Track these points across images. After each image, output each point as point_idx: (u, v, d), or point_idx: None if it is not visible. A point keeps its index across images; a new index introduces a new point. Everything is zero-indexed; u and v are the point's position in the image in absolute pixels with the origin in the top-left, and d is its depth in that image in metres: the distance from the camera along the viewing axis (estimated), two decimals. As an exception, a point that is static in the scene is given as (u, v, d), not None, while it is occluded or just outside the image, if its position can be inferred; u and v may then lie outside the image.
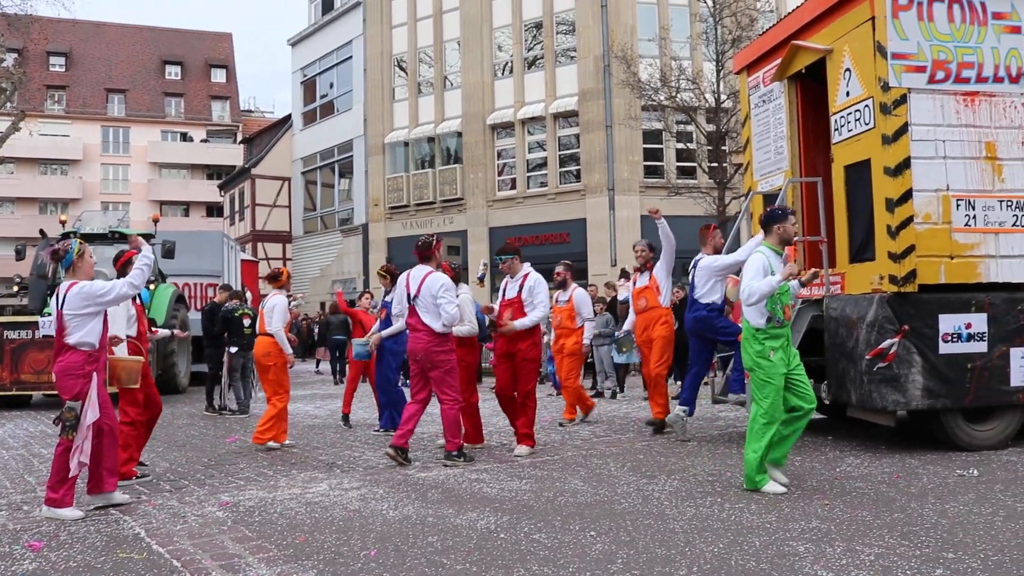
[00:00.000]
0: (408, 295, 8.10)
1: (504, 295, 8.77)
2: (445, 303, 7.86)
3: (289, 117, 42.34)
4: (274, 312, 9.62)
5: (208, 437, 10.47)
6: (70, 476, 6.08)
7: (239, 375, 12.98)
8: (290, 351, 9.71)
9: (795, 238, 9.13)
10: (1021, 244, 7.92)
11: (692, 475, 7.13)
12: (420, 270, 8.14)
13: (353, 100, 35.75)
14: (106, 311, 6.47)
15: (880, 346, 7.42)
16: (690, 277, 9.51)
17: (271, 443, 9.27)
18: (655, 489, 6.59)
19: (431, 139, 31.93)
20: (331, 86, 38.28)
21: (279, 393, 9.53)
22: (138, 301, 7.72)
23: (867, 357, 7.52)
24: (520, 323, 8.47)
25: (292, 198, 40.91)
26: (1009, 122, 8.05)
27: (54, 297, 6.46)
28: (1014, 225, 7.95)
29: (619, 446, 8.82)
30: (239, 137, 56.97)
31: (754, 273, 6.37)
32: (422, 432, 10.34)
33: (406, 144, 32.62)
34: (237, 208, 44.50)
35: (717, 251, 9.38)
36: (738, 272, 9.11)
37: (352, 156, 35.89)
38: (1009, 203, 7.96)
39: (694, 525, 5.45)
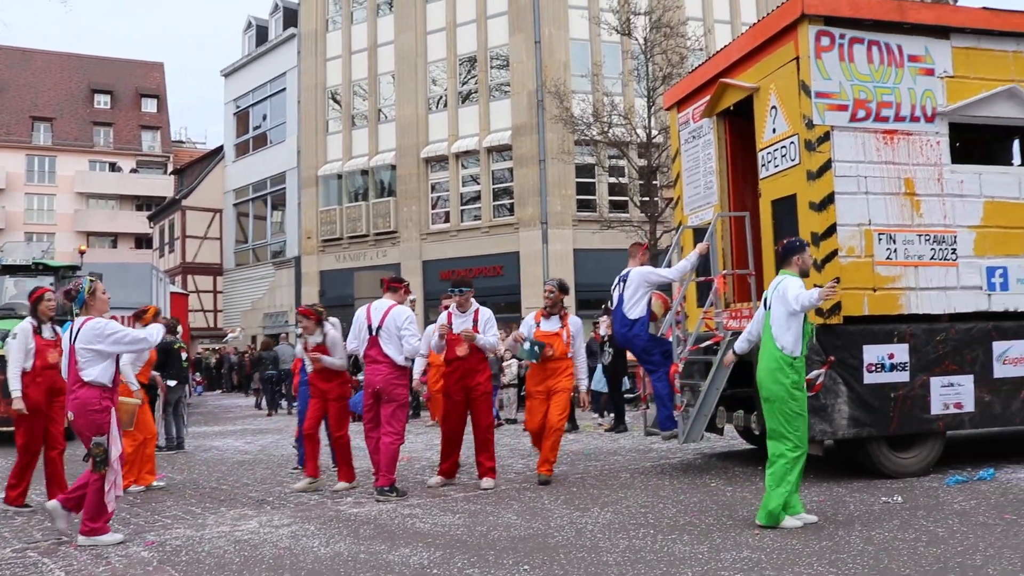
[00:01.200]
0: (369, 327, 8.22)
1: (453, 328, 8.53)
2: (408, 335, 8.09)
3: (221, 148, 41.90)
4: None
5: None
6: (109, 511, 6.31)
7: (172, 410, 12.69)
8: (136, 387, 8.73)
9: (724, 271, 9.34)
10: (939, 277, 8.18)
11: (625, 507, 7.16)
12: (383, 303, 8.37)
13: (286, 132, 35.54)
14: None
15: (807, 377, 7.56)
16: (616, 293, 9.30)
17: (134, 487, 8.76)
18: (588, 522, 6.60)
19: (365, 172, 31.84)
20: (264, 118, 38.02)
21: (131, 433, 8.64)
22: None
23: (812, 393, 7.65)
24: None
25: (224, 230, 40.39)
26: (926, 159, 8.34)
27: (67, 332, 6.49)
28: (932, 258, 8.21)
29: (552, 478, 8.81)
30: (170, 168, 56.16)
31: (799, 288, 6.26)
32: (356, 468, 10.22)
33: (339, 177, 32.48)
34: (167, 240, 43.79)
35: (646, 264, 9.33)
36: (666, 290, 9.21)
37: (285, 188, 35.63)
38: (927, 237, 8.22)
39: (627, 557, 5.47)
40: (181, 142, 63.72)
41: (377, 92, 31.72)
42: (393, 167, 30.84)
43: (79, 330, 6.33)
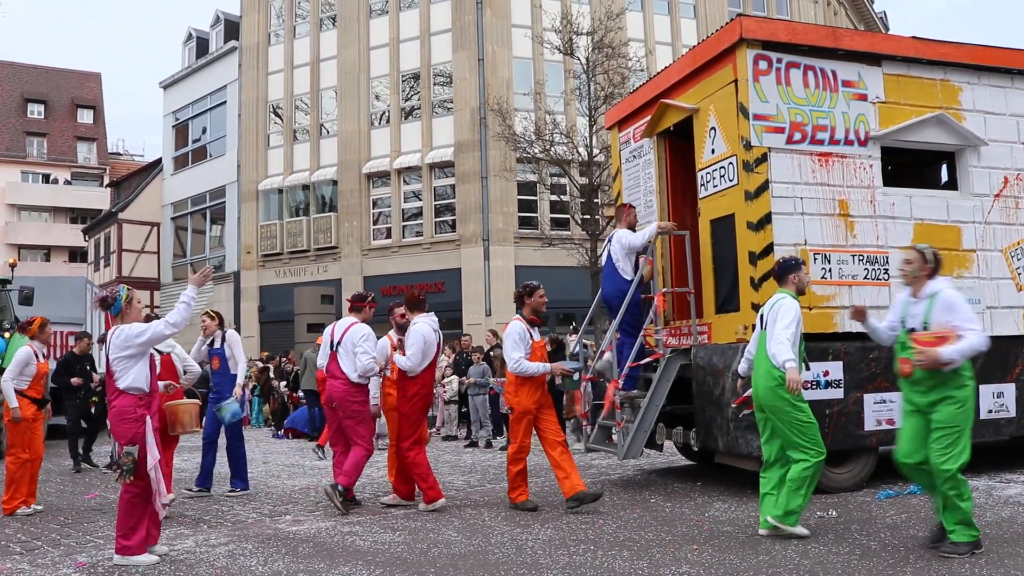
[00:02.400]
0: (331, 342, 8.37)
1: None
2: (361, 352, 8.13)
3: (159, 161, 41.20)
4: (13, 362, 8.72)
5: (65, 494, 9.93)
6: (161, 519, 6.32)
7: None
8: (14, 404, 8.45)
9: (664, 290, 9.46)
10: (872, 296, 8.38)
11: (565, 523, 7.19)
12: (347, 320, 8.48)
13: (226, 145, 35.11)
14: (152, 355, 6.49)
15: (745, 394, 7.68)
16: (605, 254, 9.40)
17: (22, 509, 8.46)
18: (529, 538, 6.61)
19: (306, 187, 31.60)
20: (204, 131, 37.50)
21: (15, 452, 8.52)
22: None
23: (733, 405, 7.77)
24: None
25: (161, 244, 39.69)
26: (859, 182, 8.56)
27: (106, 343, 6.45)
28: (865, 278, 8.42)
29: (493, 495, 8.82)
30: (106, 180, 54.97)
31: (790, 322, 6.33)
32: (295, 485, 10.12)
33: (280, 191, 32.18)
34: (102, 253, 42.85)
35: (631, 227, 9.37)
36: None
37: (224, 202, 35.16)
38: (861, 257, 8.43)
39: (567, 573, 5.50)
40: (118, 154, 62.44)
41: (319, 107, 31.55)
42: (334, 182, 30.67)
43: (111, 339, 6.31)
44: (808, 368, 6.92)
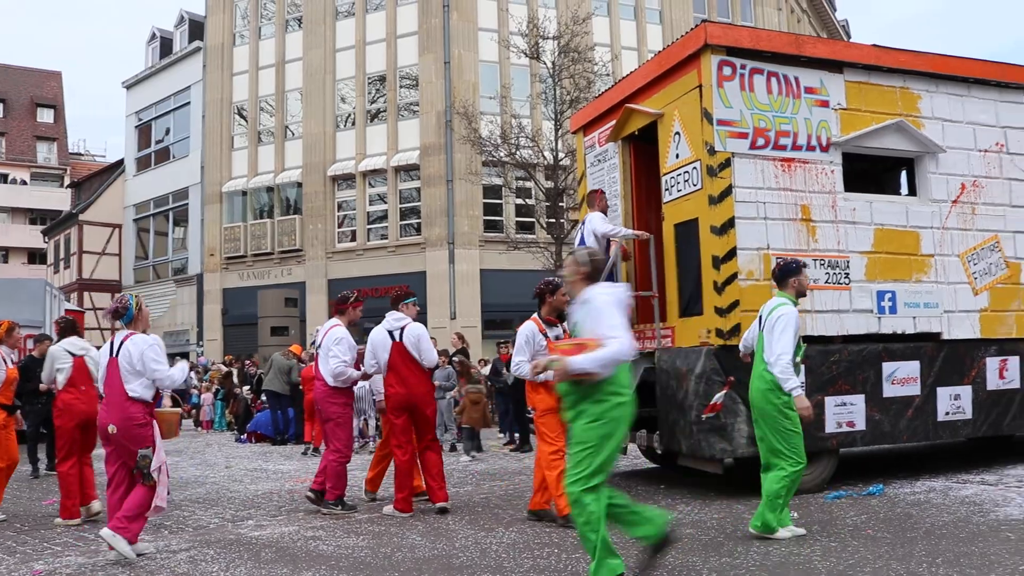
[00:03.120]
0: (315, 344, 8.52)
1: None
2: (331, 355, 8.06)
3: (122, 162, 40.73)
4: None
5: (22, 500, 9.77)
6: (145, 515, 6.44)
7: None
8: None
9: (632, 292, 9.49)
10: (833, 300, 8.49)
11: (529, 527, 7.20)
12: (330, 322, 8.45)
13: (190, 147, 34.81)
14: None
15: (713, 401, 7.75)
16: (579, 235, 9.52)
17: None
18: (493, 542, 6.62)
19: (270, 189, 31.42)
20: (167, 131, 37.15)
21: None
22: None
23: (704, 416, 7.82)
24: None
25: (123, 246, 39.23)
26: (821, 187, 8.66)
27: (107, 345, 6.67)
28: (827, 282, 8.52)
29: (457, 499, 8.80)
30: (67, 181, 54.21)
31: (788, 340, 6.27)
32: (258, 490, 10.05)
33: (244, 193, 31.96)
34: (62, 255, 42.26)
35: (603, 211, 9.50)
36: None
37: (188, 204, 34.85)
38: (822, 262, 8.53)
39: (531, 576, 5.51)
40: (79, 154, 61.62)
41: (284, 108, 31.38)
42: (299, 184, 30.52)
43: (121, 344, 6.50)
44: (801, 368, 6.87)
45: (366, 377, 8.43)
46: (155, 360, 6.47)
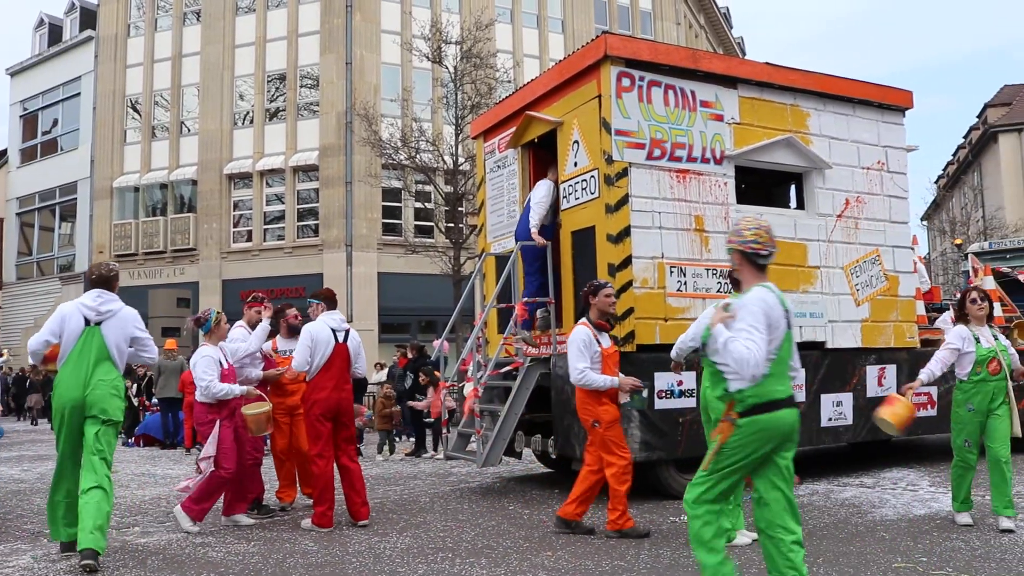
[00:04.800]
0: None
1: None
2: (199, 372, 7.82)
3: (5, 152, 39.02)
4: None
5: None
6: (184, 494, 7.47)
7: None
8: None
9: (525, 299, 9.57)
10: (724, 309, 8.70)
11: (424, 531, 7.18)
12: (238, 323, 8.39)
13: (80, 139, 33.58)
14: (228, 370, 7.56)
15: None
16: (530, 194, 9.41)
17: None
18: (387, 547, 6.58)
19: (164, 185, 30.58)
20: (55, 122, 35.76)
21: None
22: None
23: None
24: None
25: (4, 241, 37.52)
26: (714, 198, 8.89)
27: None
28: (718, 291, 8.73)
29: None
30: (-59, 172, 51.74)
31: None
32: (145, 495, 9.77)
33: (136, 189, 31.03)
34: (-63, 250, 40.27)
35: (555, 183, 9.29)
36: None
37: (76, 199, 33.61)
38: (714, 271, 8.75)
39: (425, 580, 5.50)
40: (-44, 144, 58.83)
41: (180, 103, 30.60)
42: (194, 182, 29.80)
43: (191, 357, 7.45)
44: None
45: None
46: (204, 370, 7.37)
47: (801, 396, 7.92)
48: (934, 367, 6.76)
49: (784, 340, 4.31)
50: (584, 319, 7.00)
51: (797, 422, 4.32)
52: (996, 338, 6.88)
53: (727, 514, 6.29)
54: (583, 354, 6.77)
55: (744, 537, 6.31)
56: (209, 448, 7.31)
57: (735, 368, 4.16)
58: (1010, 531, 6.49)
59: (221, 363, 7.52)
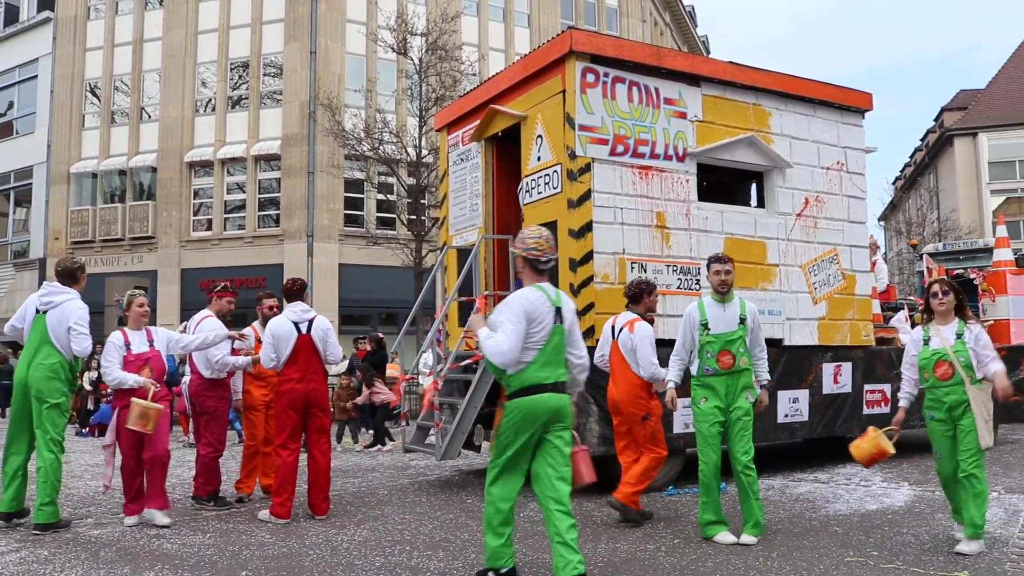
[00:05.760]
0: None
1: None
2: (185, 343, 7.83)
3: (-44, 135, 38.27)
4: None
5: None
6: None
7: None
8: None
9: (486, 292, 9.58)
10: (684, 305, 8.73)
11: (382, 524, 7.17)
12: (201, 313, 8.25)
13: (36, 123, 32.94)
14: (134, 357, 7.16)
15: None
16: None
17: None
18: (344, 539, 6.56)
19: (123, 172, 30.11)
20: (11, 105, 35.04)
21: None
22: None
23: None
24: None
25: (-45, 225, 36.88)
26: (676, 195, 8.96)
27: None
28: (679, 287, 8.81)
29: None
30: None
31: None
32: (99, 486, 9.64)
33: (95, 175, 30.53)
34: None
35: None
36: None
37: (31, 183, 32.97)
38: (675, 267, 8.82)
39: (382, 575, 5.49)
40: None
41: (141, 89, 30.14)
42: (154, 169, 29.38)
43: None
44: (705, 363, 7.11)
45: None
46: (105, 356, 7.14)
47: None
48: (909, 389, 6.21)
49: (552, 333, 4.91)
50: (637, 315, 7.32)
51: (562, 405, 4.89)
52: (959, 335, 5.93)
53: (705, 508, 6.38)
54: (655, 349, 7.13)
55: (727, 537, 6.31)
56: (109, 435, 7.17)
57: (489, 359, 4.80)
58: (962, 555, 5.73)
59: (129, 349, 7.14)
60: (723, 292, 6.53)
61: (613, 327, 7.39)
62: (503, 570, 4.98)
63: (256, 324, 8.66)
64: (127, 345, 7.18)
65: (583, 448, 5.29)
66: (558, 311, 4.96)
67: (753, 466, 6.33)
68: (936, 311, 6.06)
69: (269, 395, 8.26)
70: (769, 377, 6.67)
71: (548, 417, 4.83)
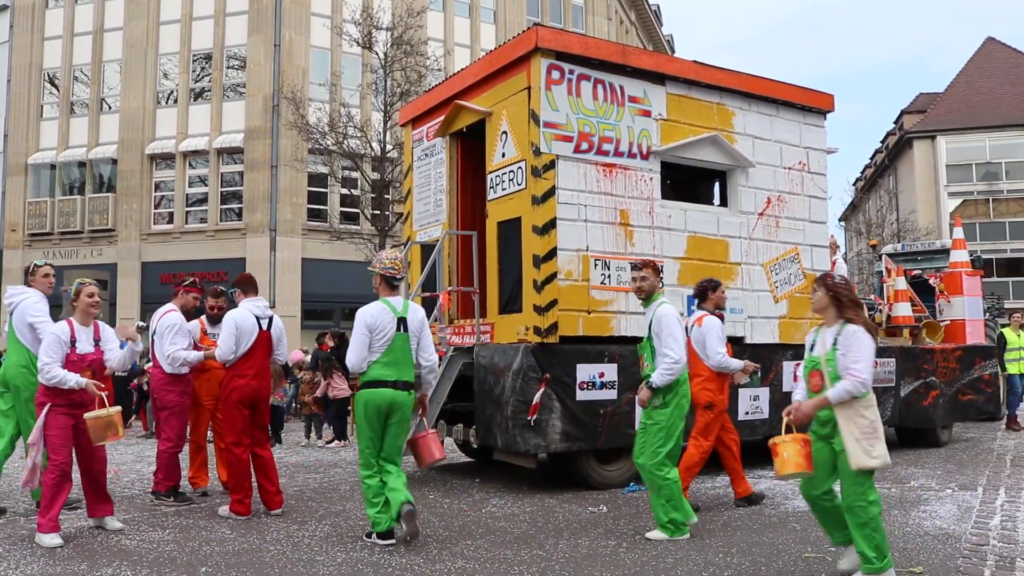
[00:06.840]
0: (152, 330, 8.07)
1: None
2: (168, 342, 7.81)
3: (-91, 125, 37.50)
4: None
5: None
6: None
7: None
8: None
9: (449, 288, 9.57)
10: (647, 303, 8.82)
11: (344, 520, 7.14)
12: (165, 307, 8.11)
13: (-9, 113, 32.43)
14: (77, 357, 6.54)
15: (535, 402, 7.92)
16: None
17: None
18: (305, 535, 6.52)
19: (82, 164, 29.69)
20: (-36, 95, 34.46)
21: None
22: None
23: (529, 417, 7.95)
24: None
25: (-93, 216, 36.14)
26: (640, 193, 9.00)
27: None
28: (642, 285, 8.83)
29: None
30: None
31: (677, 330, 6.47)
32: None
33: (53, 167, 30.07)
34: None
35: None
36: None
37: (-13, 175, 32.48)
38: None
39: (344, 570, 5.47)
40: None
41: (101, 80, 29.72)
42: (114, 161, 29.00)
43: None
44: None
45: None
46: (44, 349, 6.55)
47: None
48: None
49: (394, 340, 6.14)
50: (706, 311, 7.50)
51: (398, 398, 6.10)
52: (835, 341, 5.00)
53: (673, 508, 6.38)
54: (723, 340, 7.43)
55: (656, 534, 6.35)
56: (35, 434, 6.37)
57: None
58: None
59: (74, 347, 6.51)
60: (641, 299, 6.72)
61: (687, 327, 7.33)
62: (382, 531, 6.09)
63: (204, 318, 8.58)
64: (73, 342, 6.51)
65: (432, 431, 6.66)
66: (401, 320, 6.15)
67: (659, 471, 6.28)
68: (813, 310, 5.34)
69: (215, 390, 8.09)
70: (655, 380, 6.35)
71: (387, 407, 6.08)
